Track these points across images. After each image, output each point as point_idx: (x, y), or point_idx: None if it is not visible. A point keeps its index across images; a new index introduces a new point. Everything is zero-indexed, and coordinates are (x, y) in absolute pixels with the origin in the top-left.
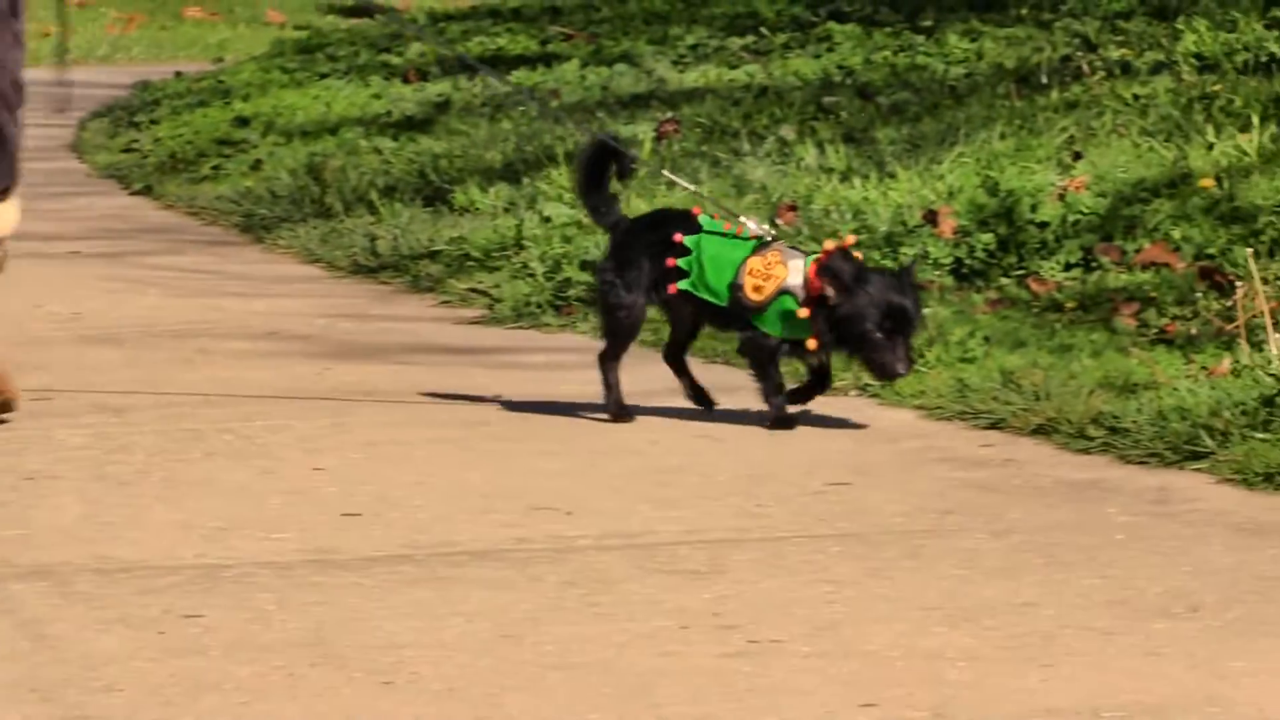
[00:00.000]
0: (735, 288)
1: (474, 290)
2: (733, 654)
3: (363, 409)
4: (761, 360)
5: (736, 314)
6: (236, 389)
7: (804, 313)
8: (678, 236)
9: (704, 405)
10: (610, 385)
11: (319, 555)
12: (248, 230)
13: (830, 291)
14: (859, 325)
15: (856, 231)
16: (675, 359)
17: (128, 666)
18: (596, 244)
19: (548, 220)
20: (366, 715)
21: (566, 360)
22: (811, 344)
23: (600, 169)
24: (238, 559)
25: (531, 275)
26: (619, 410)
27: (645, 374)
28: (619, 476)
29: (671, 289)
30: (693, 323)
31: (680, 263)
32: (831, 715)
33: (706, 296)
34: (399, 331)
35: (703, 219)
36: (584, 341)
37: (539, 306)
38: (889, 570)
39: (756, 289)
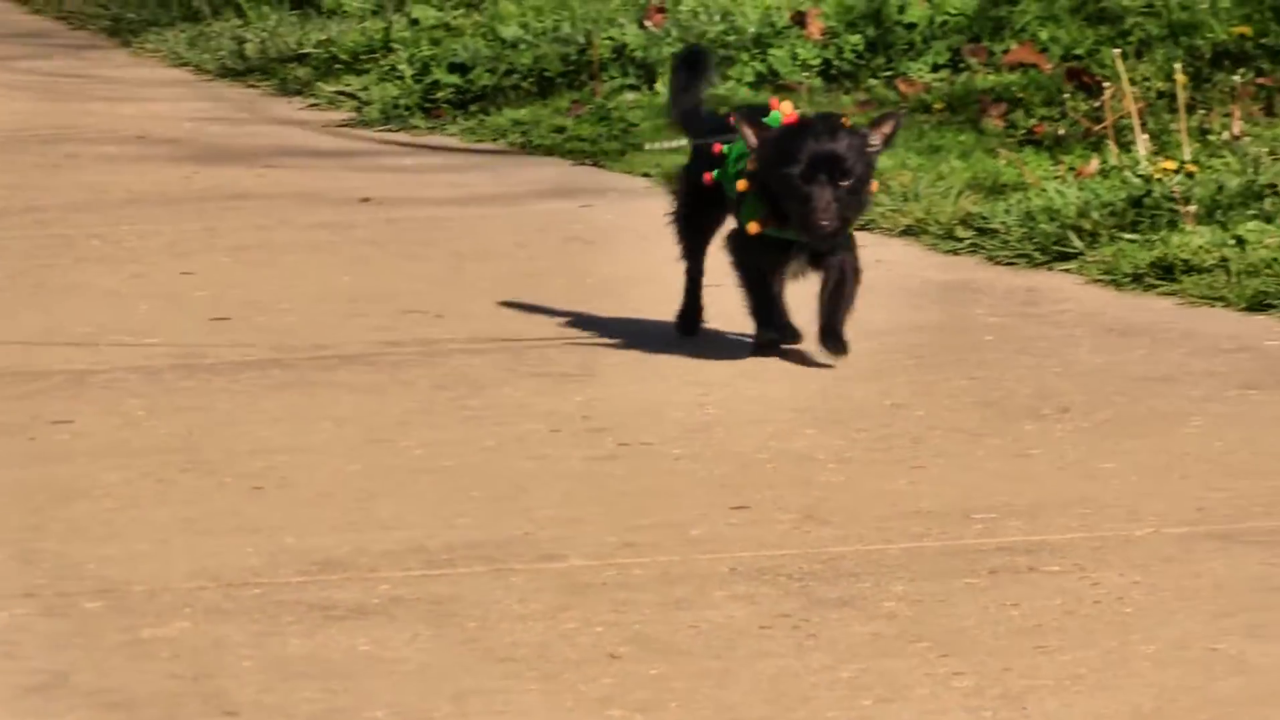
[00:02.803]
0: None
1: (342, 93)
2: (603, 457)
3: (231, 213)
4: (734, 264)
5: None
6: (105, 194)
7: (742, 185)
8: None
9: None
10: None
11: (188, 360)
12: (115, 34)
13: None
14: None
15: (725, 33)
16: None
17: None
18: (464, 46)
19: (416, 23)
20: (237, 520)
21: (434, 163)
22: (753, 227)
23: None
24: (107, 364)
25: (400, 78)
26: None
27: (515, 177)
28: (487, 279)
29: (707, 178)
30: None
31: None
32: (703, 517)
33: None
34: (267, 135)
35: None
36: (452, 143)
37: (408, 109)
38: (758, 372)
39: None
